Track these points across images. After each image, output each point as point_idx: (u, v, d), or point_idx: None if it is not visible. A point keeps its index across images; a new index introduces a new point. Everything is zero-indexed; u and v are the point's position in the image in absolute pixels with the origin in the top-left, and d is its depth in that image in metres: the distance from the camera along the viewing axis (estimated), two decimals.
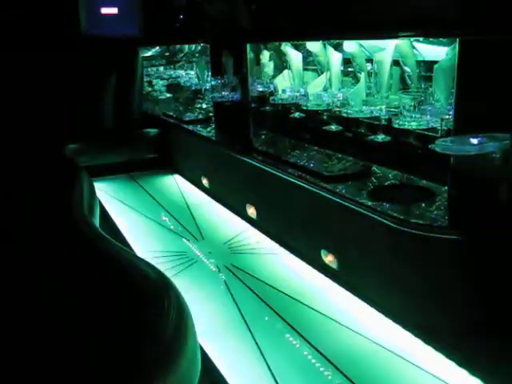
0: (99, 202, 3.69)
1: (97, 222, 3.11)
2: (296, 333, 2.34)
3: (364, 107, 2.70)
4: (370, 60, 2.93)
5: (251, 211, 3.44)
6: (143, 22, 5.69)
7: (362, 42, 2.94)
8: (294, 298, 2.60)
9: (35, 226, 2.45)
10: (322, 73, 3.36)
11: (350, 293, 2.57)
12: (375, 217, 2.21)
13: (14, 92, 5.03)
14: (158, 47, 6.31)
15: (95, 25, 5.63)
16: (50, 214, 2.73)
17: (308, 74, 3.60)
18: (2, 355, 1.49)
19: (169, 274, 2.80)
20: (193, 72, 5.37)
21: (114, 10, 5.68)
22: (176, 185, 4.58)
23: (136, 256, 2.24)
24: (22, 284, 1.96)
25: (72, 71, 5.22)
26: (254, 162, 3.33)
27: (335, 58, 3.05)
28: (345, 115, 2.85)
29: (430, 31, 2.26)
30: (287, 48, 3.49)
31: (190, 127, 4.52)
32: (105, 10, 5.64)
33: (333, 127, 3.14)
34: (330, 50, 3.08)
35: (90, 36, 5.56)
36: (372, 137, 2.79)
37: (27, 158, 4.06)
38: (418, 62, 2.72)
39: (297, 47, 3.57)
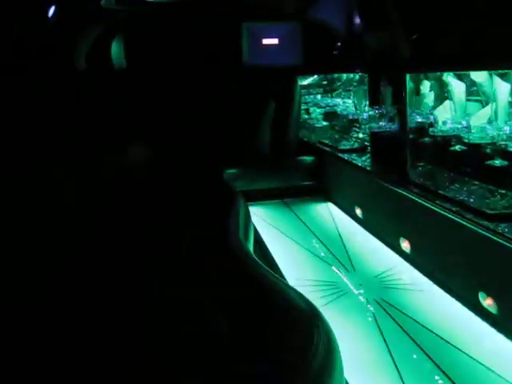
0: (253, 226, 3.83)
1: (251, 245, 3.23)
2: (446, 377, 2.23)
3: None
4: None
5: (405, 245, 3.35)
6: (302, 51, 5.82)
7: None
8: (445, 340, 2.48)
9: (193, 247, 2.60)
10: (487, 104, 3.20)
11: (511, 341, 2.39)
12: None
13: (181, 116, 5.41)
14: (315, 75, 6.42)
15: (256, 55, 5.87)
16: (208, 237, 2.88)
17: (471, 105, 3.44)
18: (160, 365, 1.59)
19: (318, 303, 2.82)
20: (350, 101, 5.38)
21: (274, 41, 5.89)
22: (329, 213, 4.60)
23: (288, 285, 2.28)
24: (177, 303, 2.08)
25: (234, 99, 5.50)
26: (409, 195, 3.25)
27: (502, 89, 2.89)
28: (511, 150, 2.69)
29: None
30: (449, 78, 3.38)
31: (346, 156, 4.52)
32: (266, 41, 5.87)
33: (497, 162, 2.97)
34: (497, 79, 2.93)
35: (252, 66, 5.81)
36: None
37: (189, 181, 4.33)
38: None
39: (459, 77, 3.44)
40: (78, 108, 5.30)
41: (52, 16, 4.25)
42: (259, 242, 3.87)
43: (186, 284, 2.18)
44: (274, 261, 3.57)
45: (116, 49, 5.74)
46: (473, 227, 2.57)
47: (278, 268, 3.42)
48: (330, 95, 6.18)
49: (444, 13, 3.22)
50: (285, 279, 3.20)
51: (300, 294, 2.11)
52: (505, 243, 2.32)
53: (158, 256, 2.43)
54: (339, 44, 5.41)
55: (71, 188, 4.12)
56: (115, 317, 1.93)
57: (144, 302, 2.00)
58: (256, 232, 3.97)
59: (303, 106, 6.14)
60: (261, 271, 2.34)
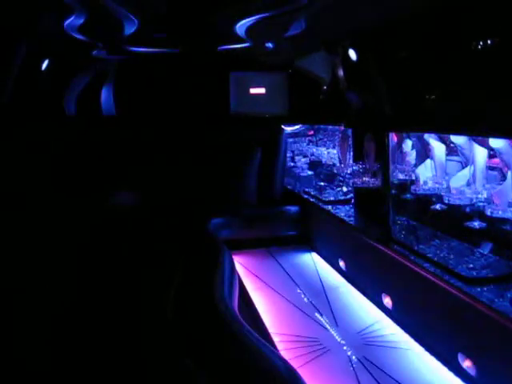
0: (238, 277, 3.87)
1: (235, 299, 3.26)
2: None
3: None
4: None
5: (387, 301, 3.40)
6: (289, 100, 5.94)
7: None
8: None
9: (179, 306, 2.64)
10: (466, 165, 3.31)
11: None
12: None
13: (168, 164, 5.49)
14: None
15: (244, 104, 5.97)
16: (193, 295, 2.92)
17: (451, 165, 3.56)
18: None
19: (300, 361, 2.88)
20: (335, 151, 5.49)
21: (261, 91, 6.00)
22: (313, 263, 4.65)
23: (269, 347, 2.31)
24: (162, 365, 2.11)
25: (220, 147, 5.59)
26: (390, 252, 3.32)
27: (480, 154, 3.00)
28: (488, 213, 2.78)
29: None
30: (430, 139, 3.50)
31: (330, 208, 4.60)
32: (253, 91, 5.98)
33: (475, 223, 3.06)
34: (475, 145, 3.04)
35: (238, 114, 5.90)
36: None
37: (175, 231, 4.38)
38: None
39: (440, 137, 3.56)
40: (67, 152, 5.37)
41: (45, 68, 4.35)
42: (243, 294, 3.90)
43: (170, 347, 2.21)
44: (257, 314, 3.59)
45: (106, 95, 5.83)
46: (451, 290, 2.63)
47: (262, 322, 3.44)
48: (315, 144, 6.29)
49: (427, 76, 3.34)
50: (268, 335, 3.23)
51: (280, 358, 2.15)
52: (481, 308, 2.38)
53: (144, 318, 2.46)
54: (325, 87, 5.52)
55: (56, 235, 4.15)
56: None
57: (131, 369, 2.02)
58: (240, 282, 4.00)
59: (289, 154, 6.24)
60: (243, 333, 2.38)
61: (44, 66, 4.28)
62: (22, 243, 3.80)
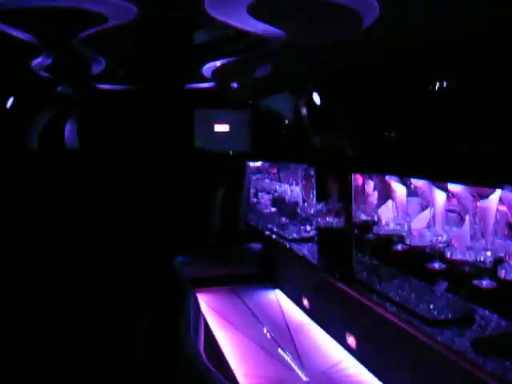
0: (203, 316, 3.86)
1: (201, 340, 3.26)
2: None
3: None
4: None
5: (351, 340, 3.44)
6: (253, 137, 6.02)
7: None
8: None
9: (145, 352, 2.63)
10: (427, 207, 3.41)
11: None
12: (479, 375, 2.18)
13: (131, 201, 5.48)
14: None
15: (208, 140, 6.03)
16: (158, 335, 2.91)
17: (412, 205, 3.65)
18: None
19: None
20: (298, 188, 5.55)
21: (225, 128, 6.08)
22: (277, 301, 4.67)
23: None
24: None
25: (184, 184, 5.63)
26: (353, 293, 3.38)
27: (439, 198, 3.11)
28: (448, 256, 2.88)
29: None
30: (391, 181, 3.60)
31: (293, 246, 4.65)
32: (217, 128, 6.05)
33: (436, 265, 3.15)
34: (434, 189, 3.15)
35: (203, 151, 5.95)
36: (476, 281, 2.76)
37: (139, 269, 4.36)
38: None
39: (402, 179, 3.66)
40: (29, 185, 5.32)
41: (11, 105, 4.34)
42: (208, 334, 3.88)
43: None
44: (222, 354, 3.58)
45: (69, 130, 5.81)
46: (412, 331, 2.70)
47: (227, 363, 3.43)
48: (278, 179, 6.35)
49: (388, 120, 3.45)
50: (233, 376, 3.22)
51: None
52: (441, 351, 2.44)
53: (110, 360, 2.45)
54: (287, 122, 5.61)
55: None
56: None
57: None
58: (205, 322, 3.99)
59: (252, 190, 6.29)
60: (209, 377, 2.38)
61: (9, 103, 4.28)
62: None
